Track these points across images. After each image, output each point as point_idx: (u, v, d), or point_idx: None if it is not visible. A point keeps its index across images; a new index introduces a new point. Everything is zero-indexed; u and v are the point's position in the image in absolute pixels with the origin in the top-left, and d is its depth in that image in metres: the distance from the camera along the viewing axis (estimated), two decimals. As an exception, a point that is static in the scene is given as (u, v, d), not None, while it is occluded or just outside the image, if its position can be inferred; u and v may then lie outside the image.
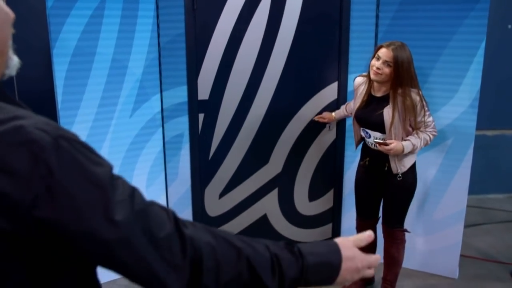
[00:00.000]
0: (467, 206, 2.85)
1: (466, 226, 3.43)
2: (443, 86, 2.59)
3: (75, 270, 0.76)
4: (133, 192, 0.71)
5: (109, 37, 2.52)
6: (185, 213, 2.90)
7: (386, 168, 2.39)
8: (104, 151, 2.61)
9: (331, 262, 0.89)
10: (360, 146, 2.55)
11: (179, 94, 2.76)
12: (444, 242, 2.77)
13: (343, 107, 2.73)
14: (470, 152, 2.63)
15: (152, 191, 2.84)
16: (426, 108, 2.31)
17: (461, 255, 2.85)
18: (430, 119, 2.34)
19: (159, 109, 2.78)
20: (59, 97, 2.45)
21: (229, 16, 2.67)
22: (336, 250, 0.90)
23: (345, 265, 0.90)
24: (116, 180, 0.70)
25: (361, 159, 2.54)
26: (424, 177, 2.71)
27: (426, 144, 2.36)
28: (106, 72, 2.55)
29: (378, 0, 2.63)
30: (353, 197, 2.66)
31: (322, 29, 2.71)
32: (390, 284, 2.54)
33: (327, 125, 2.83)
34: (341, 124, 2.82)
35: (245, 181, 2.93)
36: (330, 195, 2.93)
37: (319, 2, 2.68)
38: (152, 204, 0.74)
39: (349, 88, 2.74)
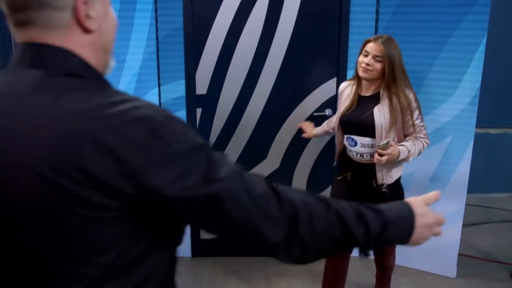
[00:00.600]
0: (469, 204, 2.84)
1: (467, 225, 3.42)
2: (443, 82, 2.56)
3: (169, 243, 0.86)
4: (226, 156, 0.82)
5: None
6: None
7: (374, 184, 2.18)
8: None
9: (407, 217, 0.96)
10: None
11: (177, 89, 2.76)
12: (442, 241, 2.74)
13: (324, 124, 2.51)
14: (470, 150, 2.60)
15: None
16: (419, 112, 2.17)
17: (461, 254, 2.83)
18: (423, 124, 2.19)
19: (157, 103, 2.76)
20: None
21: (228, 10, 2.66)
22: (409, 207, 0.98)
23: (418, 221, 0.97)
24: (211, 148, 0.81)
25: (340, 173, 2.30)
26: (422, 174, 2.69)
27: (419, 153, 2.21)
28: None
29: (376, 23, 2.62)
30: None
31: (322, 24, 2.69)
32: (384, 284, 2.52)
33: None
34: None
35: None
36: (328, 191, 2.92)
37: (318, -3, 2.66)
38: (243, 168, 0.83)
39: (348, 84, 2.72)
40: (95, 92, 0.79)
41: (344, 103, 2.25)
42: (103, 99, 0.76)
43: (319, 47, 2.73)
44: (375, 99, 2.15)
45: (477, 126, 2.62)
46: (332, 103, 2.77)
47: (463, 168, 2.63)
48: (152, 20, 2.65)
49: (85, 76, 0.82)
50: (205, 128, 2.84)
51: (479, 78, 2.51)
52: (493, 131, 3.99)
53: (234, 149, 2.88)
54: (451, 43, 2.51)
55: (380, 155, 2.04)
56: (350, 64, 2.70)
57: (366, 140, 2.15)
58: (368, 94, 2.19)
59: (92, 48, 0.84)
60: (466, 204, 2.72)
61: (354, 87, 2.23)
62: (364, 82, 2.19)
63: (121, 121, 0.73)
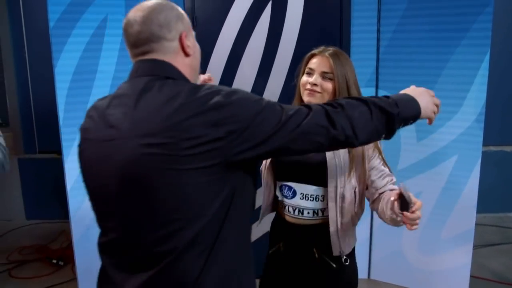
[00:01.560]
0: (483, 224, 2.76)
1: (481, 246, 3.33)
2: (447, 100, 2.52)
3: (247, 187, 1.14)
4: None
5: (110, 55, 2.57)
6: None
7: (317, 255, 1.61)
8: None
9: (411, 97, 1.26)
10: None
11: None
12: (453, 263, 2.68)
13: None
14: (477, 168, 2.54)
15: None
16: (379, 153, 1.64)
17: (473, 277, 2.74)
18: (387, 168, 1.63)
19: None
20: (61, 114, 2.51)
21: (228, 35, 2.69)
22: (406, 92, 1.29)
23: (420, 98, 1.27)
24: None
25: (272, 244, 1.74)
26: (428, 195, 2.64)
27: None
28: (107, 89, 2.59)
29: (379, 14, 2.62)
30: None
31: (322, 43, 2.69)
32: None
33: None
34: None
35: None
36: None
37: (318, 18, 2.67)
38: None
39: (351, 103, 2.71)
40: (185, 84, 1.09)
41: None
42: (190, 86, 1.07)
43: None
44: None
45: (490, 143, 2.57)
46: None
47: (471, 188, 2.57)
48: (155, 44, 2.70)
49: (178, 79, 1.14)
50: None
51: (484, 95, 2.47)
52: (508, 148, 3.90)
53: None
54: (453, 60, 2.49)
55: (412, 212, 1.32)
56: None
57: (311, 189, 1.59)
58: None
59: (189, 68, 1.18)
60: (481, 224, 2.66)
61: None
62: None
63: (203, 101, 1.02)
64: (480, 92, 2.47)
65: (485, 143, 2.52)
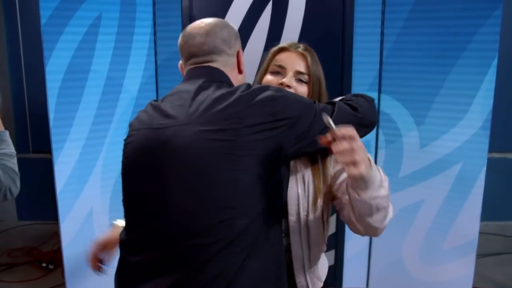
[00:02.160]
0: (486, 233, 2.68)
1: (484, 255, 3.24)
2: (452, 106, 2.45)
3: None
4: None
5: (104, 55, 2.49)
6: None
7: None
8: (98, 170, 2.57)
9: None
10: None
11: None
12: (455, 274, 2.59)
13: None
14: (482, 177, 2.46)
15: None
16: None
17: (475, 288, 2.67)
18: None
19: None
20: (51, 115, 2.43)
21: (228, 33, 2.60)
22: None
23: None
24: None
25: None
26: (431, 204, 2.56)
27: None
28: (100, 89, 2.51)
29: (383, 16, 2.53)
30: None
31: (324, 46, 2.60)
32: None
33: (330, 146, 2.70)
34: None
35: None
36: (332, 220, 2.80)
37: (320, 19, 2.59)
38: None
39: (353, 108, 2.63)
40: (238, 87, 1.15)
41: None
42: (245, 85, 1.15)
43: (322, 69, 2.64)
44: None
45: (494, 150, 2.49)
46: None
47: (475, 197, 2.48)
48: (151, 44, 2.62)
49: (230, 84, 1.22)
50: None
51: (491, 101, 2.39)
52: (511, 155, 3.82)
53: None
54: (459, 65, 2.40)
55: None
56: (354, 88, 2.60)
57: None
58: None
59: (238, 84, 1.22)
60: (484, 233, 2.58)
61: None
62: None
63: (257, 93, 1.11)
64: (486, 98, 2.39)
65: (488, 150, 2.44)
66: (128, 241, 1.13)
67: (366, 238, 2.78)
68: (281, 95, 1.11)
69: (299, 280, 1.31)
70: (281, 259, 1.17)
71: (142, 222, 1.10)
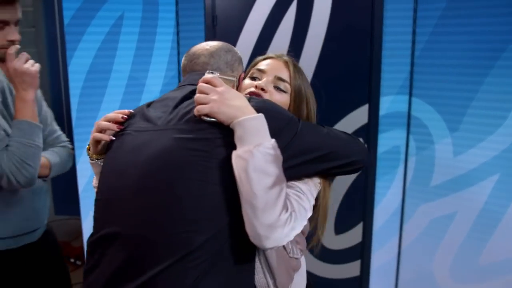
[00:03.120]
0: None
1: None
2: (489, 111, 2.26)
3: None
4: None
5: (126, 54, 2.51)
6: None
7: None
8: None
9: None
10: None
11: None
12: (491, 294, 2.41)
13: None
14: (523, 188, 2.26)
15: None
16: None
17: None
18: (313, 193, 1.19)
19: None
20: (73, 114, 2.47)
21: (250, 33, 2.56)
22: None
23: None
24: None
25: None
26: (465, 216, 2.39)
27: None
28: (122, 89, 2.53)
29: (415, 14, 2.38)
30: (384, 233, 2.39)
31: (351, 46, 2.50)
32: None
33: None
34: (371, 151, 2.57)
35: (266, 208, 2.75)
36: (358, 229, 2.67)
37: (348, 15, 2.48)
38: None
39: (381, 112, 2.50)
40: None
41: None
42: None
43: (348, 71, 2.53)
44: None
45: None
46: (363, 132, 2.55)
47: (515, 209, 2.29)
48: (173, 44, 2.60)
49: None
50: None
51: (533, 106, 2.19)
52: None
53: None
54: (498, 66, 2.21)
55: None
56: (384, 90, 2.48)
57: None
58: None
59: None
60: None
61: None
62: None
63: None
64: (528, 103, 2.19)
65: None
66: (91, 242, 1.10)
67: (395, 250, 2.64)
68: (263, 107, 1.05)
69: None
70: (243, 280, 1.08)
71: (105, 224, 1.08)
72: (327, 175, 1.23)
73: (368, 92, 2.52)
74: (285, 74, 1.30)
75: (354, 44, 2.50)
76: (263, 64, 1.33)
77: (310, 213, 1.13)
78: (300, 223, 1.06)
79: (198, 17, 2.56)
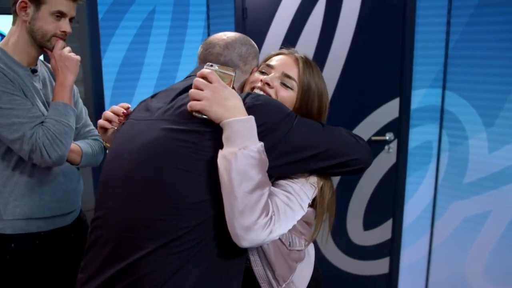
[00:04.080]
0: None
1: None
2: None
3: None
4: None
5: (157, 48, 2.58)
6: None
7: None
8: None
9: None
10: None
11: None
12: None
13: None
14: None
15: None
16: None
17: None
18: (309, 193, 1.18)
19: None
20: (107, 106, 2.57)
21: (280, 25, 2.57)
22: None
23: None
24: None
25: None
26: (500, 215, 2.32)
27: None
28: (154, 82, 2.61)
29: (449, 4, 2.31)
30: (414, 230, 2.35)
31: (382, 37, 2.46)
32: None
33: (386, 146, 2.55)
34: (402, 145, 2.52)
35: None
36: (388, 225, 2.64)
37: (379, 6, 2.44)
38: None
39: (413, 106, 2.45)
40: None
41: None
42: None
43: (379, 64, 2.50)
44: None
45: None
46: (394, 126, 2.52)
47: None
48: (204, 37, 2.65)
49: None
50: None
51: None
52: None
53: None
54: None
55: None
56: (415, 83, 2.43)
57: None
58: None
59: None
60: None
61: None
62: None
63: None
64: None
65: None
66: (91, 222, 1.16)
67: (426, 248, 2.59)
68: (259, 103, 1.06)
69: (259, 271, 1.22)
70: (226, 273, 1.08)
71: (101, 205, 1.14)
72: (325, 174, 1.20)
73: (399, 85, 2.48)
74: (293, 71, 1.25)
75: (385, 35, 2.46)
76: (273, 60, 1.30)
77: (300, 213, 1.13)
78: (284, 225, 1.06)
79: (229, 10, 2.60)
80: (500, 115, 2.24)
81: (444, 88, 2.39)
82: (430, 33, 2.37)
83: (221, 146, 1.01)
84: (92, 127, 1.88)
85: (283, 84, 1.24)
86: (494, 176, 2.32)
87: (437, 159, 2.47)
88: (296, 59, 1.27)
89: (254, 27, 2.60)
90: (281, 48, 1.37)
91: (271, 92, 1.23)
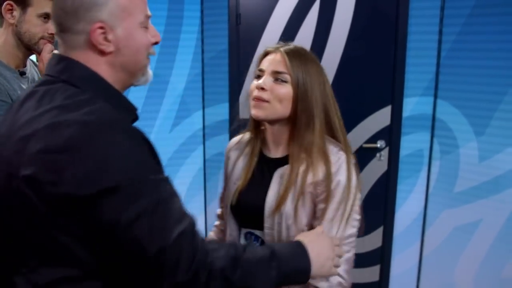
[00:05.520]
0: None
1: None
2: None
3: None
4: None
5: (151, 52, 2.64)
6: (222, 235, 2.88)
7: None
8: None
9: (300, 250, 1.03)
10: None
11: (221, 112, 2.77)
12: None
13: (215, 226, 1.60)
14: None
15: (190, 209, 2.83)
16: (350, 203, 1.24)
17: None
18: (352, 231, 1.25)
19: (200, 125, 2.82)
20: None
21: (273, 32, 2.62)
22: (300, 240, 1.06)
23: (316, 262, 1.03)
24: None
25: None
26: (490, 225, 2.36)
27: None
28: (146, 86, 2.59)
29: (442, 13, 2.37)
30: (405, 238, 2.40)
31: (374, 46, 2.52)
32: None
33: (378, 154, 2.61)
34: (394, 153, 2.58)
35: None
36: (378, 233, 2.69)
37: (371, 14, 2.50)
38: None
39: (405, 113, 2.50)
40: (67, 98, 0.88)
41: (235, 173, 1.39)
42: (69, 101, 0.87)
43: (371, 72, 2.55)
44: (285, 163, 1.30)
45: None
46: (385, 133, 2.57)
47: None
48: (198, 42, 2.71)
49: (80, 86, 0.91)
50: (248, 153, 2.79)
51: None
52: None
53: (278, 177, 2.78)
54: (529, 69, 2.17)
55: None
56: (407, 91, 2.48)
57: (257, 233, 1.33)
58: (277, 154, 1.33)
59: (109, 67, 0.95)
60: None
61: (253, 143, 1.38)
62: (268, 134, 1.34)
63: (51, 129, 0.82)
64: None
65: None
66: None
67: (416, 257, 2.64)
68: (85, 145, 0.80)
69: None
70: None
71: None
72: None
73: (391, 93, 2.53)
74: (281, 66, 1.24)
75: (377, 43, 2.51)
76: (263, 63, 1.29)
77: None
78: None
79: (223, 16, 2.66)
80: (491, 124, 2.28)
81: (435, 96, 2.44)
82: (422, 41, 2.42)
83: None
84: None
85: (277, 80, 1.24)
86: (484, 185, 2.35)
87: (428, 167, 2.51)
88: (281, 53, 1.25)
89: (248, 33, 2.66)
90: (278, 42, 1.35)
91: (265, 95, 1.23)
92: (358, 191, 1.27)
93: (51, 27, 1.53)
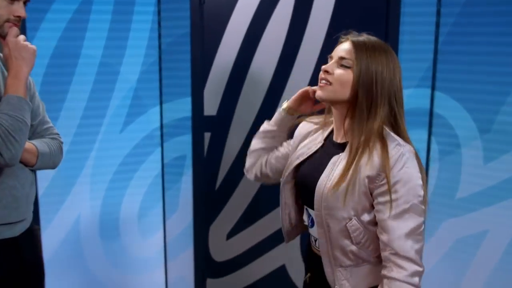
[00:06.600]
0: None
1: None
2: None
3: None
4: None
5: (97, 37, 2.38)
6: (185, 254, 2.63)
7: None
8: (87, 172, 2.47)
9: None
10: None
11: (182, 108, 2.55)
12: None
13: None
14: None
15: (147, 223, 2.62)
16: (421, 199, 1.32)
17: None
18: (420, 220, 1.34)
19: (158, 124, 2.59)
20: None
21: (244, 12, 2.46)
22: None
23: None
24: None
25: (305, 271, 1.67)
26: (497, 236, 2.21)
27: None
28: (92, 78, 2.41)
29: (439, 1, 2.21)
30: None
31: (363, 27, 2.31)
32: None
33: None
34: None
35: (260, 219, 2.68)
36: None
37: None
38: None
39: (397, 108, 2.31)
40: None
41: (303, 148, 1.55)
42: None
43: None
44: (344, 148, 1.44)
45: None
46: (375, 131, 2.37)
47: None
48: (153, 25, 2.48)
49: None
50: (214, 156, 2.62)
51: None
52: None
53: (251, 184, 2.58)
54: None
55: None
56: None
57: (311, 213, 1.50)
58: (339, 140, 1.46)
59: None
60: None
61: (324, 126, 1.56)
62: (334, 117, 1.49)
63: None
64: None
65: None
66: None
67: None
68: None
69: (327, 270, 1.45)
70: None
71: None
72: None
73: (382, 85, 2.34)
74: (346, 53, 1.39)
75: (365, 26, 2.31)
76: (334, 50, 1.45)
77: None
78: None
79: (183, -7, 2.44)
80: (497, 120, 2.14)
81: (433, 88, 2.29)
82: (418, 24, 2.25)
83: None
84: (51, 124, 1.83)
85: (341, 66, 1.38)
86: (489, 190, 2.22)
87: (426, 170, 2.32)
88: (349, 41, 1.40)
89: (214, 14, 2.47)
90: (346, 34, 1.46)
91: (329, 77, 1.38)
92: (424, 183, 1.37)
93: (18, 9, 1.56)
